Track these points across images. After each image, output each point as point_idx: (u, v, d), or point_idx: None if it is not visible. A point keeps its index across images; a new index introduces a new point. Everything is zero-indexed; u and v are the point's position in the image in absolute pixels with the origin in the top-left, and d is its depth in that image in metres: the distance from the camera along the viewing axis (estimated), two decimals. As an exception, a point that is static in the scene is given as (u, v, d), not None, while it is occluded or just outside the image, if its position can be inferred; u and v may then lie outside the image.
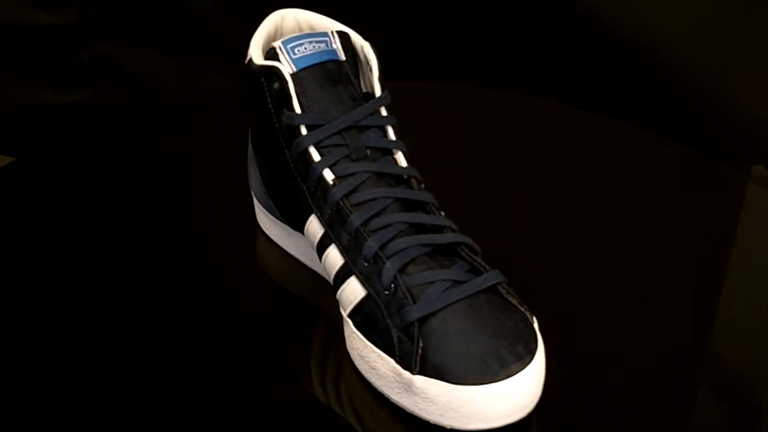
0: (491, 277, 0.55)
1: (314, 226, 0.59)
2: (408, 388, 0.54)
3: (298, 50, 0.59)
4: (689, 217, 0.73)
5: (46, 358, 0.59)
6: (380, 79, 0.60)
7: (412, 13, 1.05)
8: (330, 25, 0.64)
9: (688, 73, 1.04)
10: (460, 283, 0.55)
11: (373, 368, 0.56)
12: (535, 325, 0.56)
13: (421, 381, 0.53)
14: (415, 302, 0.54)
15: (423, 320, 0.54)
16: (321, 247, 0.59)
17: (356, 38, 0.62)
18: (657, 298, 0.65)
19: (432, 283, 0.55)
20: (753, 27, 1.03)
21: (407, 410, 0.54)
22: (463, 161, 0.77)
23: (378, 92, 0.60)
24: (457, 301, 0.54)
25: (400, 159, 0.59)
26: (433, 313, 0.54)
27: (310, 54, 0.59)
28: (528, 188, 0.76)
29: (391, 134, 0.60)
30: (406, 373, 0.53)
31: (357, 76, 0.61)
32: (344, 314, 0.57)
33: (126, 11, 1.10)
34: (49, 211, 0.73)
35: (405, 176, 0.58)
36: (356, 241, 0.56)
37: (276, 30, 0.65)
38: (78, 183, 0.77)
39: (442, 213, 0.59)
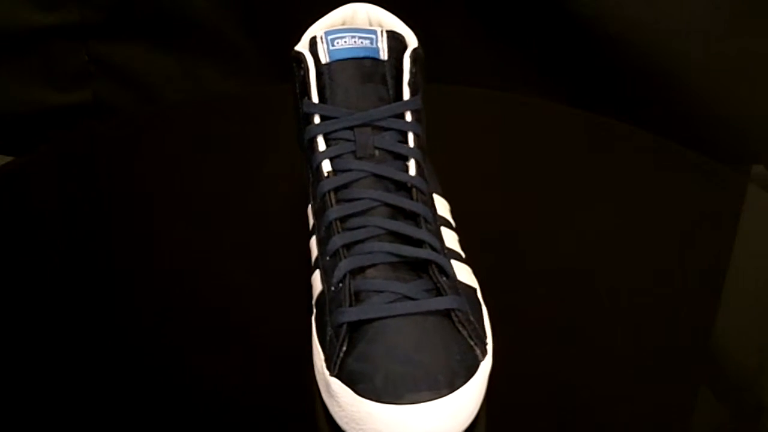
0: (445, 302, 0.54)
1: (309, 214, 0.60)
2: (327, 388, 0.53)
3: (338, 42, 0.59)
4: (689, 218, 0.73)
5: (44, 358, 0.59)
6: (411, 84, 0.59)
7: (412, 13, 1.05)
8: (396, 24, 0.63)
9: (688, 73, 1.04)
10: (410, 299, 0.53)
11: (314, 362, 0.56)
12: (483, 362, 0.54)
13: (335, 384, 0.52)
14: (352, 305, 0.53)
15: (356, 326, 0.53)
16: (309, 236, 0.60)
17: (411, 42, 0.61)
18: (657, 299, 0.65)
19: (381, 292, 0.53)
20: (753, 27, 1.03)
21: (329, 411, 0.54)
22: (463, 161, 0.77)
23: (406, 96, 0.59)
24: (397, 315, 0.53)
25: (411, 167, 0.58)
26: (370, 322, 0.53)
27: (349, 48, 0.59)
28: (527, 189, 0.76)
29: (411, 141, 0.58)
30: (327, 373, 0.53)
31: (397, 78, 0.60)
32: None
33: (126, 11, 1.10)
34: (47, 210, 0.73)
35: (408, 185, 0.57)
36: (327, 235, 0.56)
37: (342, 23, 0.65)
38: (77, 182, 0.77)
39: (446, 230, 0.59)
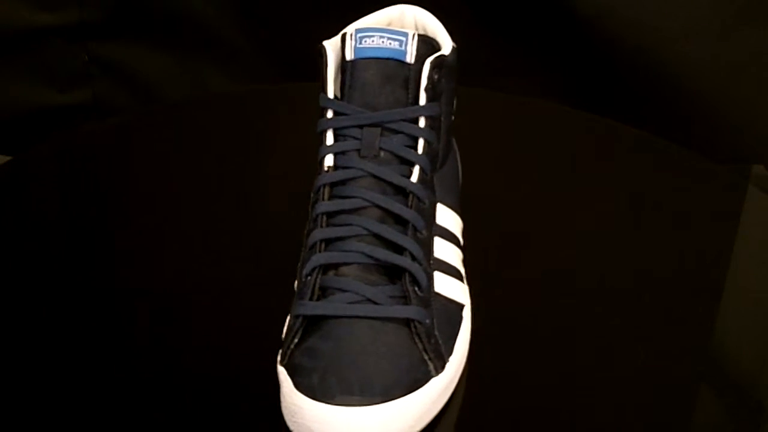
0: (405, 311, 0.53)
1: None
2: (279, 375, 0.54)
3: (366, 41, 0.58)
4: (689, 218, 0.73)
5: (42, 358, 0.59)
6: (428, 90, 0.58)
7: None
8: (438, 30, 0.63)
9: (688, 73, 1.04)
10: (373, 303, 0.53)
11: None
12: (435, 378, 0.53)
13: (281, 374, 0.53)
14: (313, 299, 0.54)
15: (314, 320, 0.53)
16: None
17: (445, 50, 0.60)
18: (657, 299, 0.65)
19: (346, 291, 0.53)
20: (753, 27, 1.03)
21: None
22: (463, 161, 0.77)
23: (422, 102, 0.58)
24: (354, 317, 0.52)
25: (415, 173, 0.57)
26: (327, 318, 0.53)
27: (375, 47, 0.58)
28: (526, 189, 0.76)
29: (420, 147, 0.58)
30: (278, 361, 0.54)
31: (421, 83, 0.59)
32: None
33: (126, 11, 1.10)
34: (46, 210, 0.73)
35: (407, 190, 0.57)
36: (311, 228, 0.56)
37: (388, 23, 0.65)
38: (76, 182, 0.77)
39: (444, 242, 0.58)
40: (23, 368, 0.58)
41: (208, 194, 0.74)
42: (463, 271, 0.61)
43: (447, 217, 0.60)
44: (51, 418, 0.55)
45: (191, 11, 1.10)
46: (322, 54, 0.59)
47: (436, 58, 0.58)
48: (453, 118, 0.63)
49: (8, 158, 0.83)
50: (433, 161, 0.59)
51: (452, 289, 0.58)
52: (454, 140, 0.67)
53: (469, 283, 0.61)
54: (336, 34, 0.61)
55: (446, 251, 0.59)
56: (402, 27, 0.65)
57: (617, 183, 0.77)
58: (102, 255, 0.68)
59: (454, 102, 0.62)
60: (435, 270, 0.57)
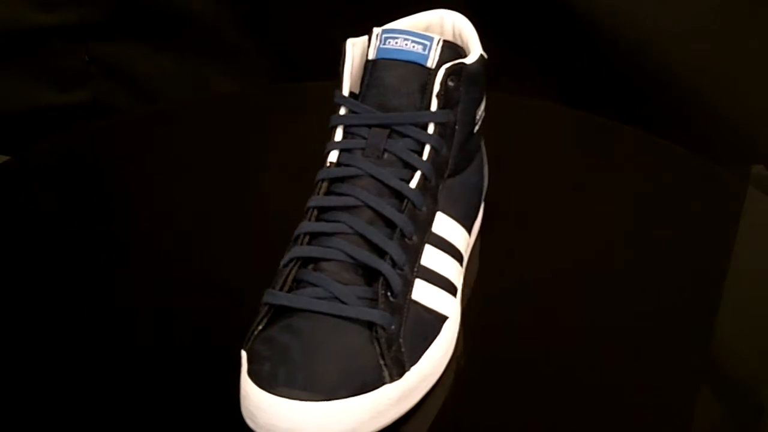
0: (368, 314, 0.52)
1: None
2: (241, 360, 0.54)
3: (390, 42, 0.59)
4: (689, 218, 0.73)
5: (41, 357, 0.59)
6: (440, 96, 0.57)
7: (410, 12, 1.05)
8: (471, 39, 0.62)
9: (688, 73, 1.04)
10: (340, 301, 0.53)
11: None
12: (388, 386, 0.52)
13: (243, 358, 0.53)
14: (282, 290, 0.54)
15: (281, 310, 0.53)
16: None
17: (471, 59, 0.60)
18: (657, 299, 0.65)
19: (317, 286, 0.53)
20: (753, 27, 1.03)
21: None
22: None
23: (433, 107, 0.58)
24: (318, 312, 0.52)
25: (415, 179, 0.57)
26: (292, 310, 0.53)
27: (398, 49, 0.58)
28: (526, 189, 0.76)
29: (426, 154, 0.57)
30: (242, 345, 0.54)
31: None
32: None
33: (126, 11, 1.10)
34: (45, 210, 0.73)
35: (403, 194, 0.56)
36: (303, 219, 0.57)
37: (426, 26, 0.65)
38: (76, 182, 0.77)
39: (438, 252, 0.57)
40: (20, 368, 0.58)
41: (208, 194, 0.74)
42: (458, 283, 0.60)
43: (448, 228, 0.59)
44: (51, 418, 0.55)
45: (191, 11, 1.10)
46: (342, 51, 0.59)
47: (454, 65, 0.58)
48: (476, 130, 0.62)
49: (8, 158, 0.83)
50: (439, 169, 0.58)
51: (435, 299, 0.57)
52: (482, 154, 0.66)
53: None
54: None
55: (439, 261, 0.58)
56: (441, 31, 0.65)
57: (617, 183, 0.77)
58: (102, 255, 0.68)
59: (478, 113, 0.62)
60: (419, 278, 0.56)
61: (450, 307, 0.58)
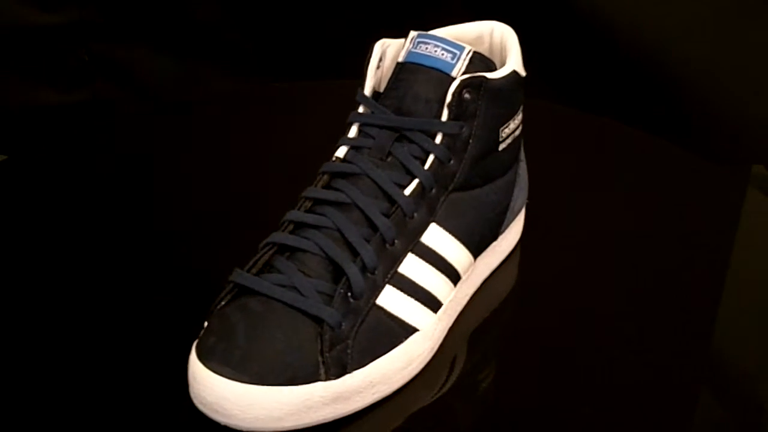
0: (318, 310, 0.52)
1: None
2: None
3: (421, 46, 0.59)
4: (689, 218, 0.73)
5: (40, 357, 0.59)
6: (451, 107, 0.57)
7: (413, 13, 1.05)
8: (513, 53, 0.62)
9: (688, 73, 1.04)
10: (296, 292, 0.53)
11: None
12: (322, 383, 0.52)
13: (202, 331, 0.54)
14: (249, 272, 0.54)
15: (245, 290, 0.54)
16: None
17: (499, 72, 0.59)
18: (657, 299, 0.65)
19: (282, 274, 0.54)
20: (753, 27, 1.03)
21: None
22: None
23: (444, 117, 0.57)
24: (274, 299, 0.53)
25: (412, 186, 0.56)
26: (254, 292, 0.53)
27: (426, 55, 0.58)
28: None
29: (429, 163, 0.57)
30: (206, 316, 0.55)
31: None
32: None
33: (126, 11, 1.11)
34: (46, 210, 0.73)
35: (394, 200, 0.56)
36: (294, 207, 0.57)
37: (476, 36, 0.64)
38: (76, 182, 0.77)
39: (421, 263, 0.56)
40: (19, 368, 0.58)
41: (209, 194, 0.74)
42: (443, 299, 0.58)
43: (442, 242, 0.58)
44: (50, 417, 0.55)
45: (191, 11, 1.10)
46: (370, 51, 0.60)
47: (472, 77, 0.57)
48: (503, 148, 0.61)
49: (7, 158, 0.83)
50: (442, 180, 0.58)
51: (405, 309, 0.55)
52: (517, 175, 0.64)
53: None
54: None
55: (421, 273, 0.56)
56: (489, 43, 0.65)
57: (617, 183, 0.77)
58: (101, 254, 0.68)
59: (505, 131, 0.60)
60: (392, 285, 0.55)
61: (424, 320, 0.56)
